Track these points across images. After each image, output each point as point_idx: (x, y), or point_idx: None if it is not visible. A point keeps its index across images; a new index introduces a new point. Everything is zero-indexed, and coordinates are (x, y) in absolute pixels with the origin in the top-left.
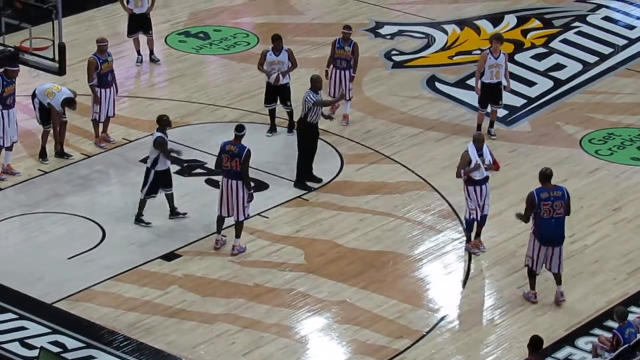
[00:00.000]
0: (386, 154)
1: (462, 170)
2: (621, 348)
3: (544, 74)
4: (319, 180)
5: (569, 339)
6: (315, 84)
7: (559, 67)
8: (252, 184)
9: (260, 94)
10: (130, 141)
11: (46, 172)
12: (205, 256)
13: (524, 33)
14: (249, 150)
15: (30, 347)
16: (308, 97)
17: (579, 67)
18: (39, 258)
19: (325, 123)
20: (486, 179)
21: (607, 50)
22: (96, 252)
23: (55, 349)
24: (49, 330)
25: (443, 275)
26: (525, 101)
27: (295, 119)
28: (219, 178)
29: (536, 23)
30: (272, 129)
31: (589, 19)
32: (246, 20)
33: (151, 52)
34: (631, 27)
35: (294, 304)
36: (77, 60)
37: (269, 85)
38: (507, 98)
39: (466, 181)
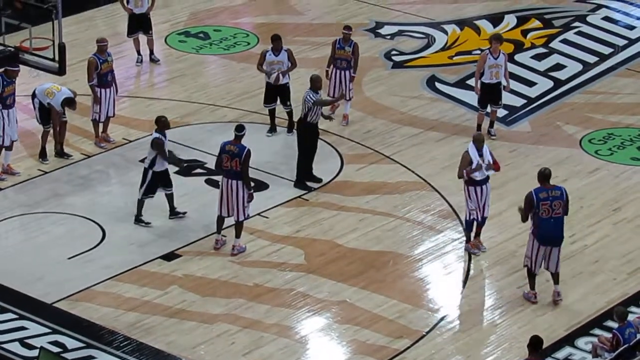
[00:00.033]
0: (386, 154)
1: (464, 171)
2: (621, 348)
3: (544, 74)
4: (319, 180)
5: (568, 339)
6: (315, 84)
7: (559, 67)
8: (252, 184)
9: (260, 94)
10: (130, 141)
11: (46, 172)
12: (205, 256)
13: (524, 33)
14: (249, 150)
15: (30, 347)
16: (308, 97)
17: (579, 67)
18: (39, 258)
19: (325, 123)
20: (487, 179)
21: (607, 50)
22: (96, 252)
23: (55, 349)
24: (49, 330)
25: (443, 276)
26: (525, 101)
27: (295, 119)
28: (219, 178)
29: (536, 23)
30: (272, 129)
31: (589, 19)
32: (246, 20)
33: (151, 52)
34: (631, 28)
35: (294, 304)
36: (77, 60)
37: (269, 85)
38: (507, 98)
39: (467, 182)
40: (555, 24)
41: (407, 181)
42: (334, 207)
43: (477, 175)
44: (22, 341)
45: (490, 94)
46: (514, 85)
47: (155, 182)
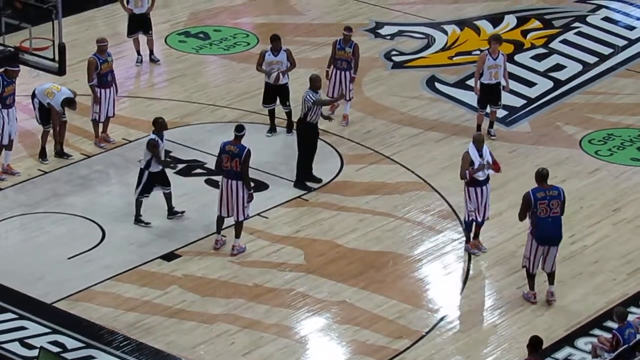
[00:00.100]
0: (386, 155)
1: (467, 172)
2: (621, 349)
3: (544, 74)
4: (319, 181)
5: (568, 340)
6: (315, 84)
7: (558, 67)
8: (252, 184)
9: (260, 94)
10: (130, 141)
11: (46, 172)
12: (205, 256)
13: (524, 33)
14: (249, 151)
15: (30, 347)
16: (307, 97)
17: (579, 67)
18: (39, 258)
19: (325, 123)
20: (487, 180)
21: (607, 50)
22: (96, 252)
23: (55, 349)
24: (49, 330)
25: (443, 276)
26: (525, 102)
27: (294, 119)
28: (218, 178)
29: (536, 23)
30: (272, 129)
31: (589, 19)
32: (246, 20)
33: (151, 52)
34: (631, 28)
35: (294, 304)
36: (77, 61)
37: (268, 85)
38: (507, 98)
39: (467, 183)
40: (555, 25)
41: (407, 181)
42: (334, 208)
43: (480, 176)
44: (22, 341)
45: (489, 95)
46: (514, 85)
47: (151, 182)
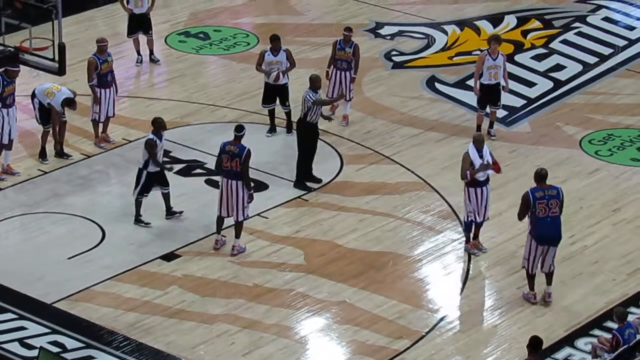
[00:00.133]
0: (386, 155)
1: (468, 172)
2: (621, 349)
3: (544, 74)
4: (319, 181)
5: (568, 340)
6: (315, 84)
7: (559, 67)
8: (252, 184)
9: (260, 95)
10: (130, 141)
11: (46, 172)
12: (205, 256)
13: (524, 34)
14: (249, 151)
15: (30, 347)
16: (307, 97)
17: (579, 67)
18: (39, 258)
19: (325, 123)
20: (487, 180)
21: (607, 51)
22: (96, 252)
23: (55, 349)
24: (49, 330)
25: (443, 276)
26: (525, 102)
27: (294, 119)
28: (218, 178)
29: (536, 24)
30: (272, 130)
31: (589, 19)
32: (246, 20)
33: (151, 52)
34: (631, 28)
35: (294, 304)
36: (77, 61)
37: (268, 85)
38: (507, 98)
39: (467, 183)
40: (555, 25)
41: (407, 182)
42: (334, 208)
43: (481, 176)
44: (21, 341)
45: (489, 95)
46: (514, 85)
47: (150, 182)
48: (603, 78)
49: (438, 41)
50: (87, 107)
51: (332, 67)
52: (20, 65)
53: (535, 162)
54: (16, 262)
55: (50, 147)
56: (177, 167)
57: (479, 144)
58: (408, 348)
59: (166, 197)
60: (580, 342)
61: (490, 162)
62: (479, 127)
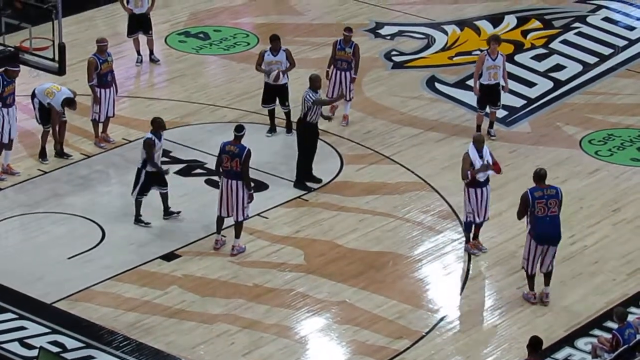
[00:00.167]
0: (386, 155)
1: (469, 172)
2: (621, 349)
3: (544, 74)
4: (319, 181)
5: (568, 340)
6: (315, 83)
7: (559, 67)
8: (252, 184)
9: (260, 95)
10: (130, 141)
11: (46, 172)
12: (204, 256)
13: (524, 34)
14: (249, 150)
15: (30, 347)
16: (307, 97)
17: (579, 67)
18: (39, 258)
19: (325, 123)
20: (487, 181)
21: (607, 51)
22: (96, 252)
23: (55, 349)
24: (49, 330)
25: (443, 276)
26: (525, 102)
27: (294, 119)
28: (218, 178)
29: (536, 24)
30: (272, 130)
31: (589, 19)
32: (246, 20)
33: (151, 52)
34: (631, 28)
35: (294, 304)
36: (77, 60)
37: (267, 85)
38: (507, 99)
39: (467, 184)
40: (556, 25)
41: (407, 182)
42: (334, 208)
43: (481, 177)
44: (21, 341)
45: (489, 95)
46: (514, 85)
47: (149, 182)
48: (603, 78)
49: (438, 41)
50: (87, 107)
51: (332, 67)
52: (20, 65)
53: (535, 162)
54: (16, 262)
55: (50, 147)
56: (177, 167)
57: (479, 144)
58: (408, 348)
59: (164, 197)
60: (580, 342)
61: (491, 162)
62: (478, 127)
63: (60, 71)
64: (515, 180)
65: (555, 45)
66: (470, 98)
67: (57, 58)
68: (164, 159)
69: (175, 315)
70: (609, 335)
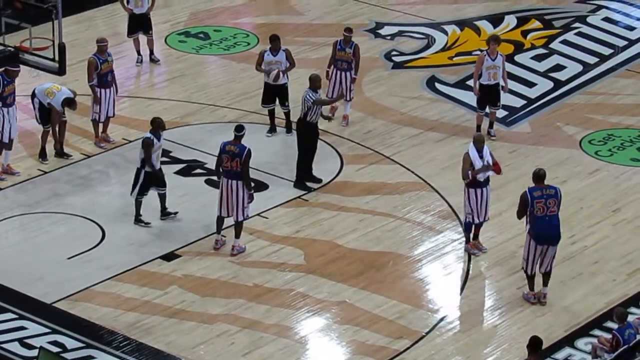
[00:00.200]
0: (386, 155)
1: (469, 172)
2: (621, 349)
3: (544, 74)
4: (319, 181)
5: (568, 340)
6: (314, 83)
7: (559, 68)
8: (252, 184)
9: (260, 95)
10: (130, 141)
11: (46, 172)
12: (204, 256)
13: (524, 34)
14: (249, 150)
15: (30, 347)
16: (307, 96)
17: (579, 68)
18: (39, 258)
19: (325, 123)
20: (487, 181)
21: (607, 51)
22: (96, 252)
23: (55, 349)
24: (49, 330)
25: (443, 276)
26: (525, 102)
27: (293, 119)
28: (217, 178)
29: (536, 24)
30: (272, 130)
31: (589, 19)
32: (246, 20)
33: (151, 52)
34: (631, 28)
35: (294, 304)
36: (77, 60)
37: (267, 85)
38: (507, 99)
39: (467, 184)
40: (556, 25)
41: (407, 182)
42: (334, 208)
43: (481, 177)
44: (21, 341)
45: (488, 96)
46: (515, 85)
47: (148, 182)
48: (603, 78)
49: (438, 41)
50: (87, 107)
51: (332, 67)
52: (20, 65)
53: (535, 162)
54: (16, 262)
55: (50, 147)
56: (177, 167)
57: (479, 144)
58: (408, 348)
59: (162, 197)
60: (580, 343)
61: (491, 162)
62: (478, 128)
63: (60, 71)
64: (515, 180)
65: (555, 45)
66: (470, 98)
67: (57, 58)
68: (164, 158)
69: (175, 315)
70: (609, 336)
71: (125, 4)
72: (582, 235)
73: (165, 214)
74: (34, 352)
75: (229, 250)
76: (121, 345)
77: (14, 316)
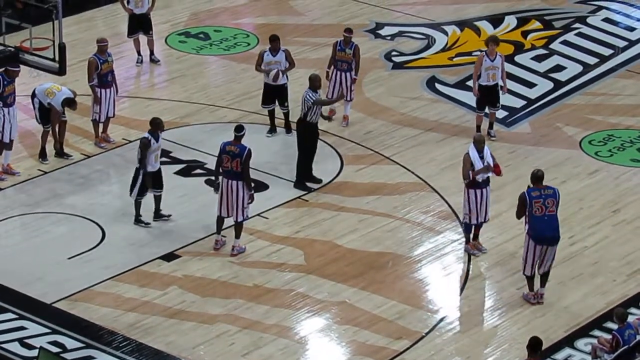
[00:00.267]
0: (386, 155)
1: (470, 172)
2: (620, 350)
3: (544, 75)
4: (319, 181)
5: (568, 340)
6: (314, 83)
7: (559, 68)
8: (253, 184)
9: (260, 95)
10: (130, 141)
11: (46, 172)
12: (204, 257)
13: (524, 34)
14: (249, 150)
15: (30, 347)
16: (307, 96)
17: (579, 68)
18: (39, 258)
19: (325, 124)
20: (487, 182)
21: (607, 51)
22: (96, 252)
23: (55, 349)
24: (49, 330)
25: (442, 277)
26: (525, 102)
27: (292, 119)
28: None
29: (536, 24)
30: (272, 130)
31: (589, 20)
32: (246, 20)
33: (151, 53)
34: (631, 29)
35: (294, 304)
36: (77, 61)
37: (267, 85)
38: (507, 99)
39: (467, 185)
40: (556, 25)
41: (407, 182)
42: (334, 208)
43: (480, 177)
44: (21, 341)
45: (487, 96)
46: (515, 86)
47: (150, 181)
48: (603, 79)
49: (438, 42)
50: (88, 107)
51: (332, 68)
52: (21, 65)
53: (535, 162)
54: (16, 262)
55: (50, 147)
56: (177, 167)
57: (479, 145)
58: (408, 348)
59: (157, 199)
60: (580, 343)
61: (491, 163)
62: (478, 128)
63: (61, 71)
64: (515, 180)
65: (555, 46)
66: (470, 99)
67: (57, 58)
68: (164, 159)
69: (175, 316)
70: (609, 336)
71: (126, 4)
72: (582, 236)
73: (158, 215)
74: (34, 352)
75: (229, 251)
76: (121, 345)
77: (14, 316)
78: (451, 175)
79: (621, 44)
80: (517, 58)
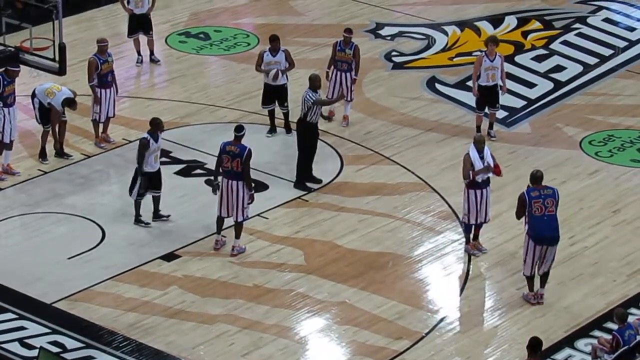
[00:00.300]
0: (386, 155)
1: (470, 172)
2: (621, 350)
3: (544, 75)
4: (319, 181)
5: (568, 341)
6: (314, 83)
7: (559, 68)
8: (253, 185)
9: (260, 95)
10: (131, 141)
11: (46, 172)
12: (204, 257)
13: (525, 34)
14: (250, 150)
15: (30, 347)
16: (307, 96)
17: (579, 68)
18: (39, 258)
19: (326, 124)
20: (487, 182)
21: (607, 52)
22: (96, 252)
23: (55, 349)
24: (49, 330)
25: (443, 277)
26: (526, 103)
27: (292, 120)
28: (218, 179)
29: (537, 24)
30: (272, 130)
31: (589, 20)
32: (247, 21)
33: (151, 53)
34: (631, 29)
35: (294, 304)
36: (77, 61)
37: (267, 86)
38: (507, 99)
39: (467, 185)
40: (556, 26)
41: (407, 182)
42: (334, 208)
43: (479, 178)
44: (21, 341)
45: (487, 97)
46: (515, 86)
47: (148, 182)
48: (603, 79)
49: (438, 42)
50: (88, 107)
51: (332, 68)
52: (21, 65)
53: (535, 163)
54: (16, 262)
55: (50, 147)
56: (177, 167)
57: (479, 145)
58: (408, 349)
59: (156, 200)
60: (580, 343)
61: (492, 163)
62: (478, 128)
63: (61, 71)
64: (515, 181)
65: (555, 46)
66: (470, 99)
67: (57, 58)
68: (164, 159)
69: (175, 316)
70: (609, 336)
71: (126, 5)
72: (582, 236)
73: (157, 216)
74: (34, 352)
75: (229, 251)
76: (121, 345)
77: (14, 316)
78: (451, 176)
79: (621, 44)
80: (517, 58)
